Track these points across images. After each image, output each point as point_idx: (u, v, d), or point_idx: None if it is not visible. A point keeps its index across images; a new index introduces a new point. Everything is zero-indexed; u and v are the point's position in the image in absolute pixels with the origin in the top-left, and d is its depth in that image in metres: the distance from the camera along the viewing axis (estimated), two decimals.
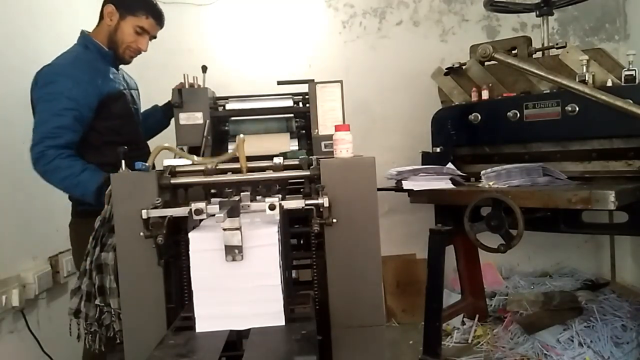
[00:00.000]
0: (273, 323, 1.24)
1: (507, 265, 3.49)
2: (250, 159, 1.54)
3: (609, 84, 2.12)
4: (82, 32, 2.02)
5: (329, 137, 1.73)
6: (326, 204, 1.36)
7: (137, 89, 2.23)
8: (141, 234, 1.36)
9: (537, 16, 2.67)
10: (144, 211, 1.33)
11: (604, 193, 1.80)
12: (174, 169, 1.51)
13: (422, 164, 2.58)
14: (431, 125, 2.70)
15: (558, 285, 3.23)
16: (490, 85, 2.56)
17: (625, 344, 2.50)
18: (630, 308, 2.80)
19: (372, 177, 1.46)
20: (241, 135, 1.52)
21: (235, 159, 1.52)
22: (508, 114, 2.33)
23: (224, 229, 1.20)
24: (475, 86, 2.60)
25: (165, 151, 1.57)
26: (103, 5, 1.99)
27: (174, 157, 1.58)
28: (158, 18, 2.04)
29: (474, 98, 2.58)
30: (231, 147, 1.99)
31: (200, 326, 1.24)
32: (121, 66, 2.11)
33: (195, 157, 1.58)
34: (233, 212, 1.21)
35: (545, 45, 2.57)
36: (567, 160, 2.27)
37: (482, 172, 2.24)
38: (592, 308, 2.77)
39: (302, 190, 1.56)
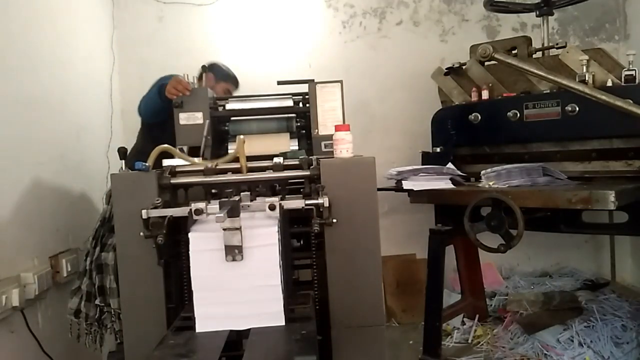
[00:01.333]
0: (273, 323, 1.24)
1: (507, 265, 3.49)
2: (250, 159, 1.54)
3: (609, 84, 2.12)
4: None
5: (329, 137, 1.73)
6: (326, 204, 1.36)
7: None
8: (141, 234, 1.36)
9: (537, 16, 2.67)
10: (144, 211, 1.33)
11: (604, 193, 1.79)
12: (174, 169, 1.51)
13: (422, 164, 2.58)
14: (431, 125, 2.70)
15: (558, 285, 3.23)
16: (490, 85, 2.56)
17: (625, 344, 2.50)
18: (630, 308, 2.80)
19: (372, 177, 1.46)
20: (241, 136, 1.53)
21: (236, 160, 1.53)
22: (508, 114, 2.33)
23: (224, 229, 1.20)
24: (475, 86, 2.60)
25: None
26: None
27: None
28: None
29: (474, 98, 2.58)
30: (231, 146, 1.98)
31: (200, 326, 1.24)
32: None
33: (196, 159, 1.58)
34: (233, 212, 1.21)
35: (545, 45, 2.57)
36: (567, 160, 2.27)
37: (482, 172, 2.24)
38: (592, 308, 2.77)
39: (302, 190, 1.57)
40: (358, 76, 3.29)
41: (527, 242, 2.21)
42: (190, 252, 1.24)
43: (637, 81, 2.07)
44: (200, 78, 2.20)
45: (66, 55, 2.50)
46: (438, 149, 2.63)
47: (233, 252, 1.21)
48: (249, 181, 1.50)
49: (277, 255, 1.24)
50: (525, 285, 3.30)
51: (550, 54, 2.55)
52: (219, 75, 2.67)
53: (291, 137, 2.06)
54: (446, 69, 2.75)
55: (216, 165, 1.52)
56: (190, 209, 1.25)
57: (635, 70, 2.07)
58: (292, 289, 1.52)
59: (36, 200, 2.19)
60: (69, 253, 2.29)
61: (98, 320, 1.56)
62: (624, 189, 1.85)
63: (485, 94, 2.53)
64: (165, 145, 1.61)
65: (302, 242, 1.78)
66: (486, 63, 2.63)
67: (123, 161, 1.47)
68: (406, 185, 2.30)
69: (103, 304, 1.53)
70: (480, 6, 3.01)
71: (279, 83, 2.16)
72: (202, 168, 1.51)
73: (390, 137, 3.37)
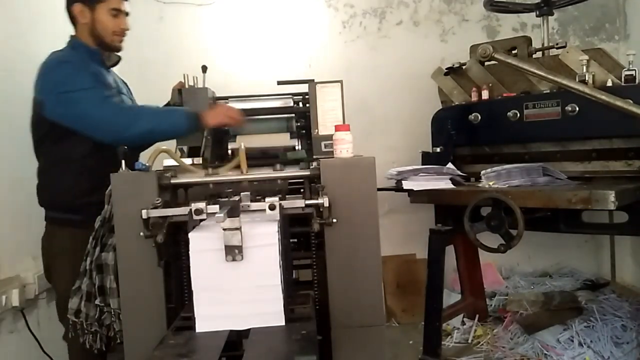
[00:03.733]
0: (273, 323, 1.24)
1: (507, 265, 3.49)
2: (251, 165, 1.55)
3: (609, 84, 2.12)
4: (71, 37, 1.96)
5: (329, 137, 1.73)
6: (326, 204, 1.36)
7: (129, 92, 2.16)
8: (141, 234, 1.36)
9: (537, 16, 2.67)
10: (144, 211, 1.33)
11: (604, 193, 1.80)
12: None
13: (422, 164, 2.58)
14: (431, 125, 2.70)
15: (558, 285, 3.23)
16: (490, 85, 2.56)
17: (625, 344, 2.50)
18: (630, 308, 2.80)
19: (372, 177, 1.46)
20: (242, 145, 1.53)
21: (237, 167, 1.54)
22: (508, 114, 2.33)
23: (224, 229, 1.20)
24: (475, 86, 2.60)
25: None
26: (69, 10, 1.94)
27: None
28: None
29: (474, 98, 2.58)
30: (231, 146, 1.99)
31: (200, 326, 1.24)
32: (113, 69, 2.06)
33: (195, 169, 1.60)
34: (233, 212, 1.21)
35: (545, 45, 2.57)
36: (567, 160, 2.27)
37: (482, 172, 2.24)
38: (592, 308, 2.77)
39: (302, 190, 1.57)
40: (358, 76, 3.29)
41: (527, 242, 2.21)
42: (190, 252, 1.24)
43: (637, 81, 2.07)
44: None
45: None
46: (438, 149, 2.63)
47: (233, 252, 1.21)
48: (249, 181, 1.51)
49: (277, 255, 1.24)
50: (525, 285, 3.30)
51: (550, 54, 2.55)
52: None
53: (291, 137, 2.07)
54: (446, 69, 2.75)
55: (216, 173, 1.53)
56: (190, 209, 1.25)
57: (635, 70, 2.07)
58: (292, 289, 1.52)
59: (36, 200, 2.19)
60: None
61: (98, 320, 1.55)
62: (624, 189, 1.86)
63: (485, 94, 2.53)
64: (165, 148, 1.61)
65: (302, 242, 1.78)
66: (486, 63, 2.63)
67: (123, 161, 1.47)
68: (406, 185, 2.30)
69: (103, 304, 1.53)
70: (480, 6, 3.01)
71: (279, 83, 2.17)
72: (201, 180, 1.52)
73: (390, 137, 3.37)
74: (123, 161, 1.46)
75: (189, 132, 1.85)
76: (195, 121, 1.82)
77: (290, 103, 2.14)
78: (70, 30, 1.97)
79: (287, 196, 1.51)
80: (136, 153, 1.91)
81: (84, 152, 1.80)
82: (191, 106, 1.96)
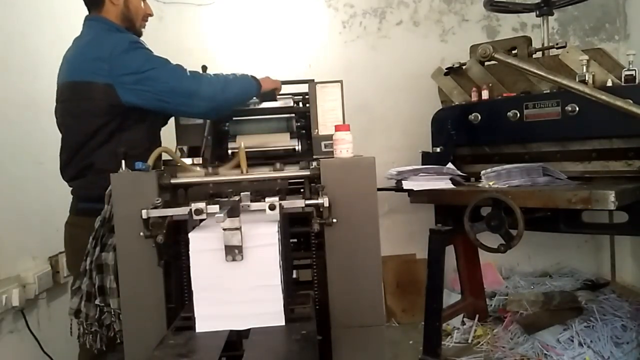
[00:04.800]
0: (273, 323, 1.24)
1: (507, 265, 3.49)
2: (251, 165, 1.55)
3: (609, 84, 2.12)
4: (95, 17, 1.87)
5: (329, 137, 1.73)
6: (326, 204, 1.36)
7: None
8: (141, 234, 1.36)
9: (537, 16, 2.67)
10: (144, 211, 1.33)
11: (604, 193, 1.80)
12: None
13: (422, 164, 2.58)
14: (431, 125, 2.70)
15: (558, 285, 3.23)
16: (490, 85, 2.56)
17: (625, 344, 2.50)
18: (630, 308, 2.80)
19: (372, 177, 1.46)
20: (241, 144, 1.53)
21: (237, 166, 1.54)
22: (508, 114, 2.33)
23: (224, 229, 1.20)
24: (475, 86, 2.60)
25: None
26: None
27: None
28: None
29: (474, 98, 2.58)
30: (231, 146, 1.99)
31: (200, 326, 1.24)
32: None
33: (196, 168, 1.59)
34: (233, 212, 1.21)
35: (545, 45, 2.57)
36: (567, 160, 2.27)
37: (482, 172, 2.24)
38: (592, 308, 2.77)
39: (302, 190, 1.57)
40: (358, 76, 3.29)
41: (527, 242, 2.21)
42: (190, 252, 1.24)
43: (637, 81, 2.07)
44: None
45: None
46: (438, 149, 2.63)
47: (233, 252, 1.21)
48: (249, 181, 1.50)
49: (277, 255, 1.24)
50: (525, 285, 3.30)
51: (550, 54, 2.55)
52: None
53: (291, 137, 2.06)
54: (446, 69, 2.75)
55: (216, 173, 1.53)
56: (190, 209, 1.25)
57: (635, 70, 2.07)
58: (292, 289, 1.52)
59: (36, 200, 2.19)
60: None
61: (98, 320, 1.55)
62: (624, 189, 1.86)
63: (485, 94, 2.53)
64: (164, 147, 1.61)
65: (302, 242, 1.78)
66: (486, 63, 2.63)
67: (123, 161, 1.47)
68: (406, 185, 2.30)
69: (103, 304, 1.53)
70: (480, 6, 3.01)
71: None
72: (201, 179, 1.52)
73: (390, 137, 3.37)
74: (123, 161, 1.46)
75: (256, 95, 1.94)
76: (259, 85, 1.91)
77: (290, 103, 2.14)
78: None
79: (287, 196, 1.51)
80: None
81: (143, 141, 1.78)
82: None
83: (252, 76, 1.92)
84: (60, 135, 1.87)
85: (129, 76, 1.72)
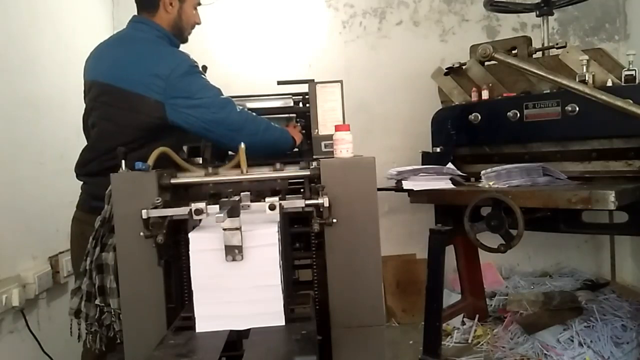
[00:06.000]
0: (273, 323, 1.24)
1: (507, 265, 3.49)
2: (250, 160, 1.54)
3: (609, 84, 2.12)
4: (146, 21, 1.87)
5: (329, 137, 1.72)
6: (326, 204, 1.36)
7: None
8: (141, 234, 1.36)
9: (537, 16, 2.67)
10: (144, 211, 1.33)
11: (604, 193, 1.80)
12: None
13: (422, 164, 2.58)
14: (431, 125, 2.70)
15: (558, 285, 3.23)
16: (490, 85, 2.56)
17: (625, 344, 2.50)
18: (630, 308, 2.80)
19: (372, 177, 1.46)
20: (242, 144, 1.53)
21: (237, 166, 1.53)
22: (508, 114, 2.33)
23: (224, 229, 1.20)
24: (475, 86, 2.60)
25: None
26: None
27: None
28: None
29: (474, 98, 2.58)
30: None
31: (200, 326, 1.24)
32: None
33: (195, 168, 1.59)
34: (233, 212, 1.21)
35: (545, 45, 2.57)
36: (567, 160, 2.27)
37: (482, 172, 2.24)
38: (592, 308, 2.77)
39: (302, 190, 1.56)
40: (358, 76, 3.29)
41: (527, 242, 2.22)
42: (190, 252, 1.24)
43: (637, 81, 2.07)
44: None
45: (66, 55, 2.50)
46: (438, 149, 2.63)
47: (233, 252, 1.21)
48: (249, 181, 1.50)
49: (277, 256, 1.23)
50: (525, 285, 3.30)
51: (550, 54, 2.55)
52: None
53: None
54: (446, 69, 2.75)
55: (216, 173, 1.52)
56: (190, 209, 1.25)
57: (635, 70, 2.07)
58: (292, 289, 1.52)
59: (36, 200, 2.19)
60: (69, 253, 2.30)
61: (98, 320, 1.55)
62: (624, 189, 1.86)
63: (485, 94, 2.53)
64: (164, 148, 1.61)
65: (302, 242, 1.78)
66: (486, 63, 2.63)
67: (123, 161, 1.46)
68: (406, 185, 2.30)
69: (103, 304, 1.53)
70: (480, 6, 3.01)
71: (279, 83, 2.16)
72: (201, 179, 1.52)
73: (390, 137, 3.37)
74: (123, 161, 1.46)
75: (290, 149, 1.93)
76: (294, 140, 1.93)
77: (290, 103, 2.14)
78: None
79: (287, 196, 1.51)
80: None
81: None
82: None
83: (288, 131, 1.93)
84: (77, 127, 1.91)
85: (182, 99, 1.73)
